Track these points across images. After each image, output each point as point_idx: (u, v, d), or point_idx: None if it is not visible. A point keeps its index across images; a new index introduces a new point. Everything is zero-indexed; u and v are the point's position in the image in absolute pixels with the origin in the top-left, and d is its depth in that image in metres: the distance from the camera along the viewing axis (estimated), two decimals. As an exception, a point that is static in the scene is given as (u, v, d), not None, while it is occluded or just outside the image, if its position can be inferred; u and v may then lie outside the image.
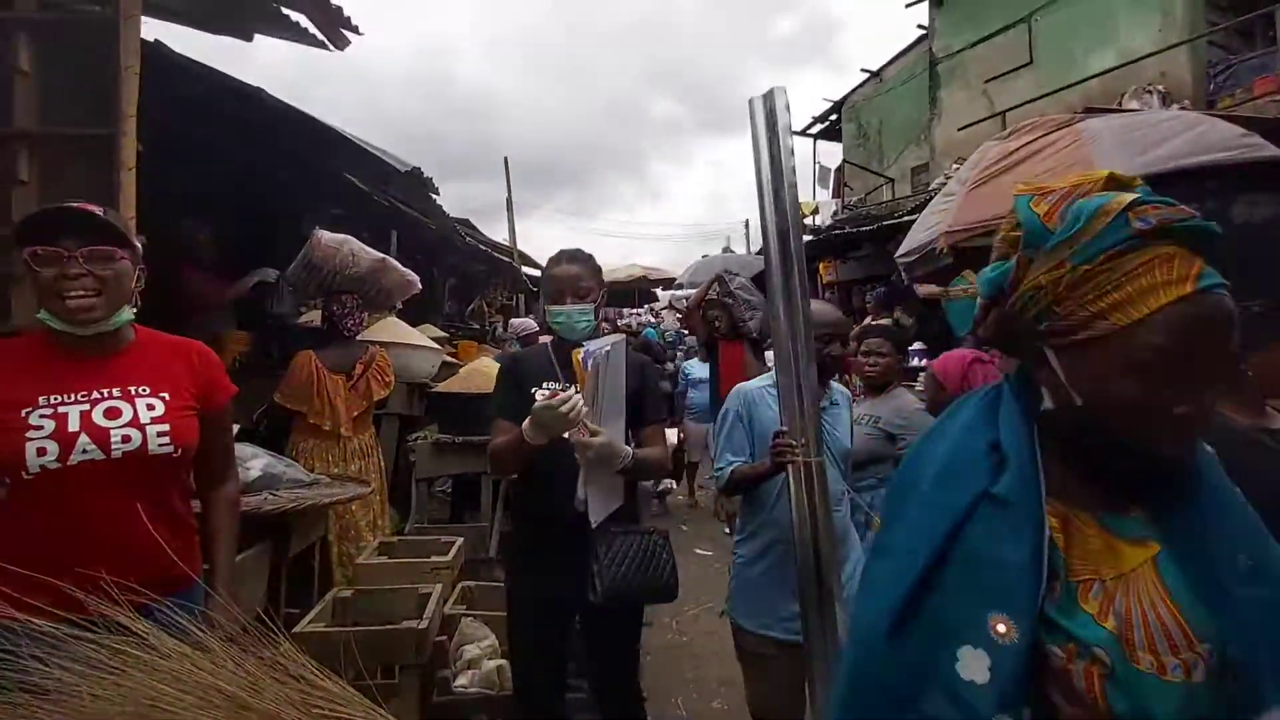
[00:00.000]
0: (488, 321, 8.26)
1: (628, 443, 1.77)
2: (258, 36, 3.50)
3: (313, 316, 3.92)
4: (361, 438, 3.39)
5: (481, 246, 7.83)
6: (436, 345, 4.29)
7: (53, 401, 1.27)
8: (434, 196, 4.95)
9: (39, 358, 1.30)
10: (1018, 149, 3.60)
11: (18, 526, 1.28)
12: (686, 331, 11.24)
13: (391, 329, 3.92)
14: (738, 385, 2.12)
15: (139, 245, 1.40)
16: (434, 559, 2.59)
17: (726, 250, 20.06)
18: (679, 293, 16.59)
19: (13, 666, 0.96)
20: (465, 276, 8.29)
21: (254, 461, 2.46)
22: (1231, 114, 4.09)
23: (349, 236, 3.32)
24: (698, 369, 5.87)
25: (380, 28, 2.78)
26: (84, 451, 1.27)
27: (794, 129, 14.14)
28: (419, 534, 3.61)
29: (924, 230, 4.02)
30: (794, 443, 1.67)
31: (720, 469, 1.99)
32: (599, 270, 1.97)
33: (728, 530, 5.29)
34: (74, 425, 1.27)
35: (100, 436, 1.29)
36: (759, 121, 1.77)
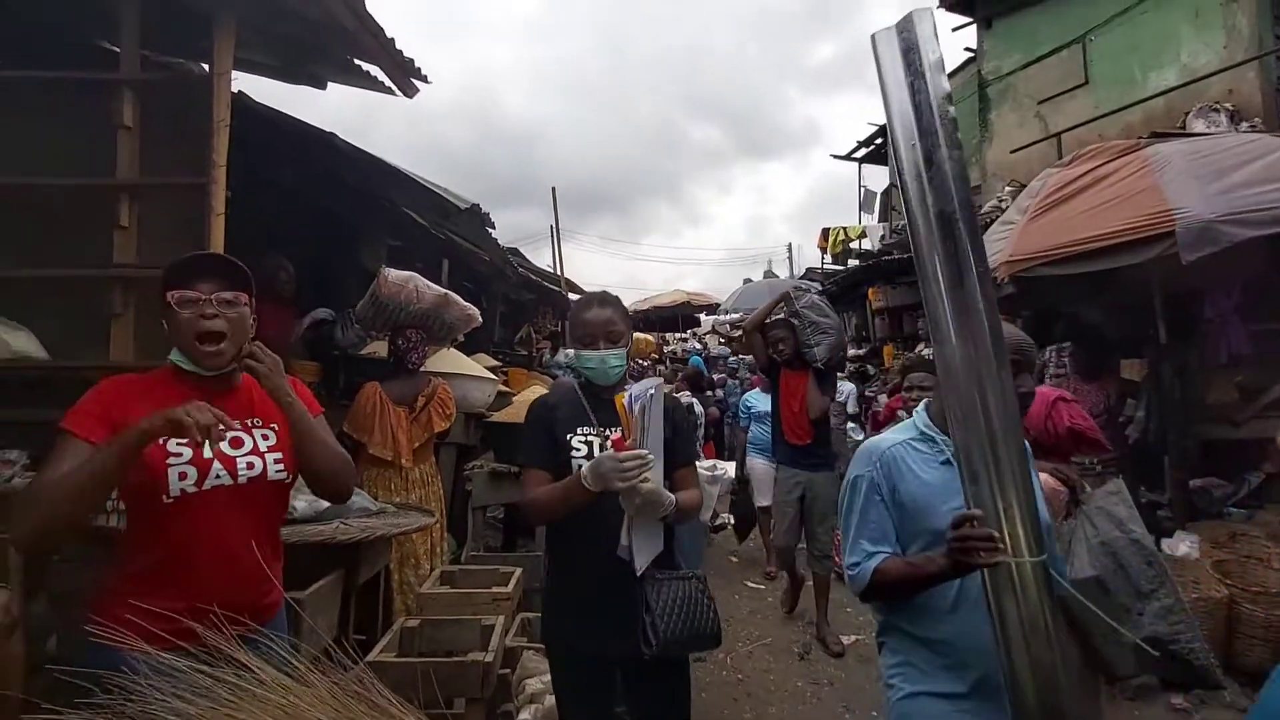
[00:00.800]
0: (535, 348, 8.39)
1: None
2: (330, 84, 3.70)
3: (377, 348, 4.06)
4: (422, 467, 3.49)
5: (532, 276, 8.01)
6: (492, 375, 4.39)
7: None
8: (490, 230, 5.11)
9: (168, 390, 1.40)
10: (1080, 176, 3.54)
11: (147, 550, 1.36)
12: (732, 355, 11.09)
13: (450, 360, 4.03)
14: (867, 442, 1.59)
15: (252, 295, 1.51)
16: (495, 589, 2.63)
17: (768, 274, 20.00)
18: (722, 317, 16.60)
19: (134, 696, 1.03)
20: (514, 304, 8.48)
21: (325, 491, 2.55)
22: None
23: (414, 274, 3.44)
24: (760, 401, 5.25)
25: (429, 63, 2.89)
26: (217, 477, 1.38)
27: (837, 153, 13.85)
28: (475, 562, 3.66)
29: (982, 259, 3.96)
30: (994, 534, 1.16)
31: (856, 564, 1.41)
32: (628, 313, 1.94)
33: (770, 571, 5.16)
34: (207, 452, 1.38)
35: (229, 463, 1.40)
36: (892, 65, 1.27)
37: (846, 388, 6.62)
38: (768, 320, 4.25)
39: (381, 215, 5.14)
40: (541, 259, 12.43)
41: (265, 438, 1.47)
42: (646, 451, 1.54)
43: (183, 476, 1.34)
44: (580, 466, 1.65)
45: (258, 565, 1.43)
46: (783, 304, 4.13)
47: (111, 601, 1.32)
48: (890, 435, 1.53)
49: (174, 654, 1.15)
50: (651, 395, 1.61)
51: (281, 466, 1.47)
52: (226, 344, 1.39)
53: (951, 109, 1.24)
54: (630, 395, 1.63)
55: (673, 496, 1.65)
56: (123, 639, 1.15)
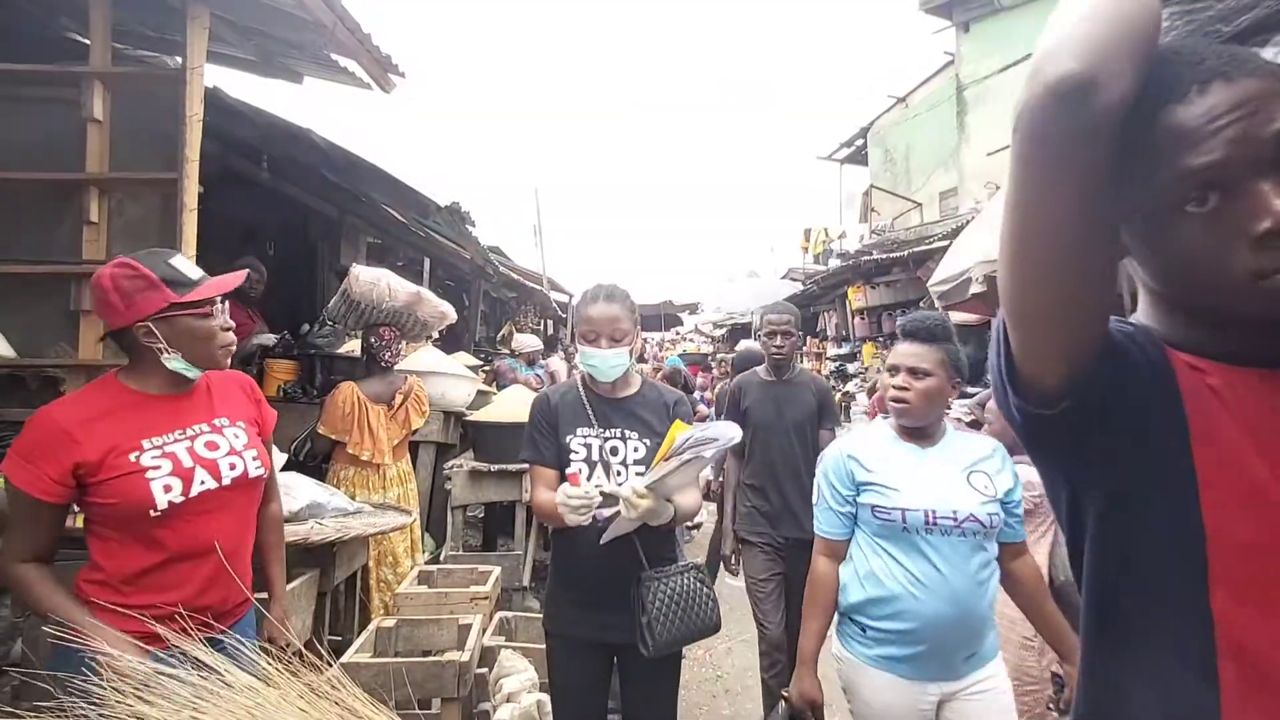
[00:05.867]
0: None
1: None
2: (306, 78, 3.66)
3: (353, 346, 4.02)
4: (399, 465, 3.47)
5: (514, 275, 7.99)
6: (472, 374, 4.37)
7: (156, 443, 1.35)
8: (470, 229, 5.09)
9: (125, 405, 1.36)
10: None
11: (133, 560, 1.33)
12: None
13: (429, 358, 4.01)
14: None
15: None
16: (473, 589, 2.62)
17: (750, 275, 20.09)
18: (704, 317, 16.67)
19: (95, 698, 1.02)
20: (495, 302, 8.45)
21: (300, 490, 2.52)
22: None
23: (386, 271, 3.42)
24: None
25: (406, 57, 2.84)
26: (201, 482, 1.37)
27: (819, 155, 14.10)
28: (454, 561, 3.65)
29: (957, 259, 4.02)
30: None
31: None
32: (635, 308, 1.84)
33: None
34: (187, 461, 1.36)
35: (211, 467, 1.39)
36: None
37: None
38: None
39: (360, 212, 5.09)
40: (520, 258, 12.40)
41: (237, 436, 1.46)
42: (593, 496, 1.52)
43: (167, 489, 1.32)
44: (579, 470, 1.68)
45: (245, 562, 1.48)
46: None
47: (87, 606, 1.30)
48: None
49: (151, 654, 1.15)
50: (712, 447, 1.49)
51: (258, 463, 1.48)
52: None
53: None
54: (692, 435, 1.51)
55: (671, 511, 1.62)
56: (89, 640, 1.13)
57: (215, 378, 1.55)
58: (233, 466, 1.42)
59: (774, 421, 2.79)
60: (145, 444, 1.33)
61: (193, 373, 1.40)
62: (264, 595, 1.93)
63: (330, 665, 1.34)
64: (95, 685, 0.99)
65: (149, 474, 1.31)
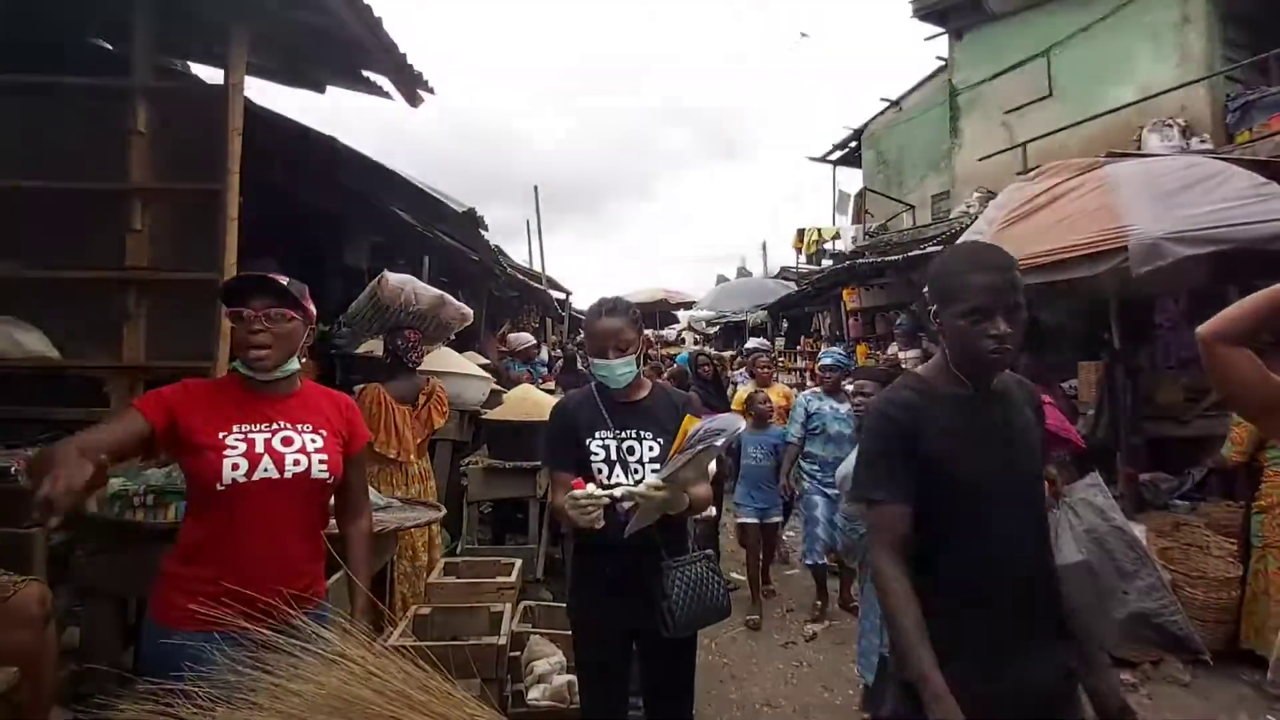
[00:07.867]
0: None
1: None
2: (329, 87, 3.77)
3: (371, 346, 4.14)
4: (420, 463, 3.61)
5: (519, 276, 8.10)
6: (486, 374, 4.51)
7: (243, 429, 1.52)
8: (482, 232, 5.22)
9: (232, 394, 1.56)
10: (1042, 193, 3.80)
11: (197, 530, 1.51)
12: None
13: (445, 359, 4.14)
14: None
15: (311, 310, 1.63)
16: (499, 579, 2.77)
17: (742, 271, 20.25)
18: (698, 313, 16.79)
19: (221, 670, 1.17)
20: (498, 302, 8.57)
21: (336, 487, 2.67)
22: (1251, 158, 4.23)
23: (411, 276, 3.56)
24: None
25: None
26: (264, 470, 1.51)
27: (813, 156, 14.15)
28: (470, 554, 3.80)
29: (953, 267, 4.21)
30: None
31: None
32: (638, 318, 1.98)
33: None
34: (259, 448, 1.52)
35: (277, 459, 1.53)
36: None
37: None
38: None
39: (367, 213, 5.20)
40: (517, 253, 12.50)
41: (313, 440, 1.59)
42: (600, 493, 1.67)
43: (235, 467, 1.47)
44: (600, 471, 1.84)
45: (302, 557, 1.59)
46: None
47: (162, 577, 1.49)
48: None
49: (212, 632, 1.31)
50: (723, 436, 1.66)
51: (325, 468, 1.59)
52: (271, 353, 1.53)
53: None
54: (703, 427, 1.68)
55: (686, 500, 1.77)
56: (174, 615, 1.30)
57: (319, 392, 1.71)
58: (296, 463, 1.54)
59: (996, 476, 1.35)
60: (235, 427, 1.51)
61: (244, 370, 1.56)
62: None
63: (406, 649, 1.47)
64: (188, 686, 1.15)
65: (226, 452, 1.47)
